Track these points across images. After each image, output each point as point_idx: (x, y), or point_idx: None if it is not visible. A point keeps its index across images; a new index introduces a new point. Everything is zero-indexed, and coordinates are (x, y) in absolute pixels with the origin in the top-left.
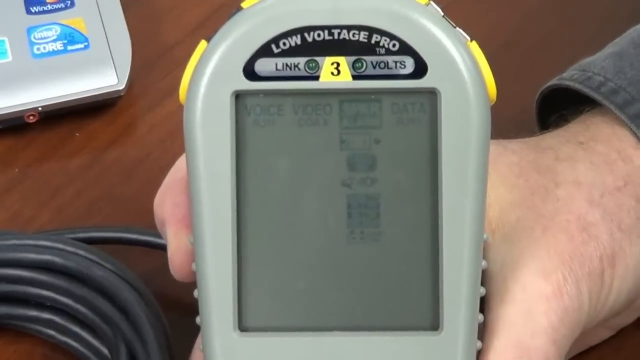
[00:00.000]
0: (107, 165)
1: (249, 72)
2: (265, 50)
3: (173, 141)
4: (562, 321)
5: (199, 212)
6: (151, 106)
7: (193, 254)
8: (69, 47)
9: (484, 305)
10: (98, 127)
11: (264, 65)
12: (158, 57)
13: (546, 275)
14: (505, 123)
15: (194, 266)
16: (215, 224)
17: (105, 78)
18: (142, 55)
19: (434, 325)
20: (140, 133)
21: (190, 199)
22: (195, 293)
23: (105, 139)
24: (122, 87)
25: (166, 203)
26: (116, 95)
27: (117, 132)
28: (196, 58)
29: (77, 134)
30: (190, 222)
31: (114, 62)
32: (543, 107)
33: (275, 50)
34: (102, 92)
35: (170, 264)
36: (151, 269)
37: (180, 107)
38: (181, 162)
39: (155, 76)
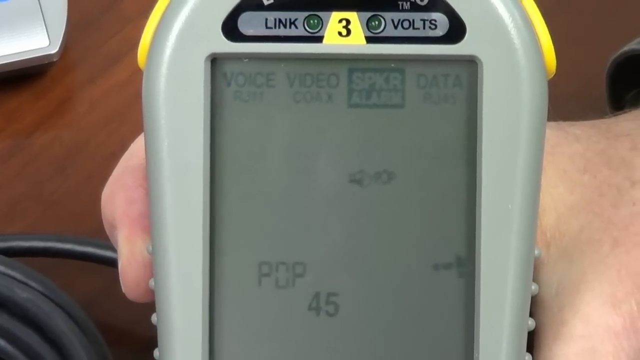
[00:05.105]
0: (33, 154)
1: (230, 30)
2: (252, 1)
3: (121, 123)
4: None
5: (161, 211)
6: (92, 76)
7: (151, 266)
8: None
9: (532, 342)
10: (22, 103)
11: (250, 21)
12: (102, 12)
13: (616, 304)
14: (565, 100)
15: (152, 282)
16: (183, 226)
17: (32, 38)
18: (82, 10)
19: None
20: (78, 112)
21: (149, 193)
22: (154, 318)
23: (31, 120)
24: (54, 50)
25: (117, 198)
26: (47, 62)
27: (47, 110)
28: (160, 9)
29: None
30: (149, 224)
31: (44, 18)
32: (616, 80)
33: (266, 2)
34: (28, 57)
35: (121, 278)
36: (92, 290)
37: (131, 78)
38: (137, 145)
39: (99, 37)
